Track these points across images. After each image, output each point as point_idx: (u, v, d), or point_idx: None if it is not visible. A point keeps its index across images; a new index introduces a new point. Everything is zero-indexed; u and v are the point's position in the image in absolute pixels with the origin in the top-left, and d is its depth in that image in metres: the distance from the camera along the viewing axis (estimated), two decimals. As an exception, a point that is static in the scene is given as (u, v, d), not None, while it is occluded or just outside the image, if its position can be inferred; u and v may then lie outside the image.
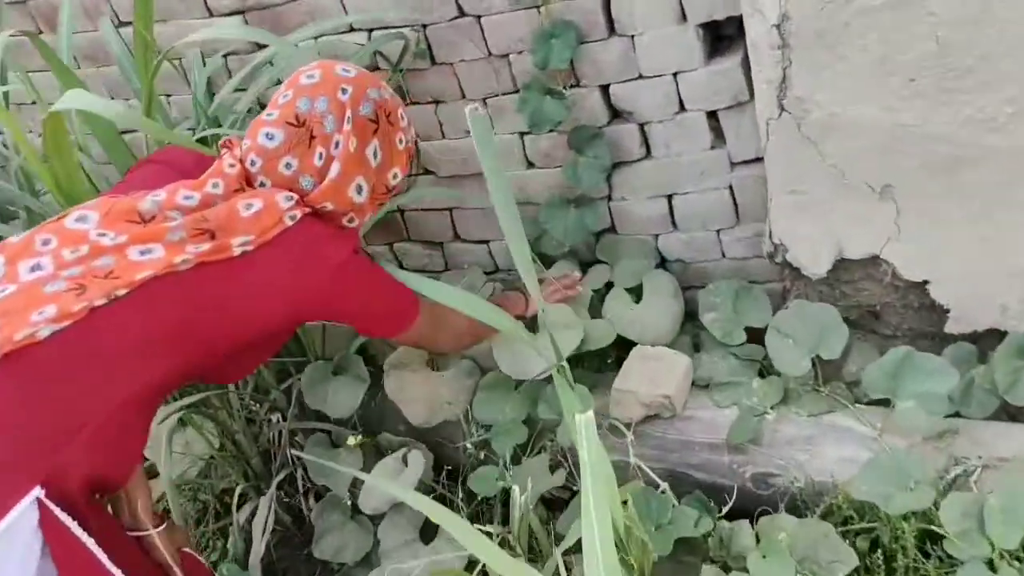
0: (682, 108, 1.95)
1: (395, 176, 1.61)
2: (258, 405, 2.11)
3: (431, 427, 2.04)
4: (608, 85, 1.97)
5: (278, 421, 2.13)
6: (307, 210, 1.48)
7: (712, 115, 1.94)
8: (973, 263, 1.72)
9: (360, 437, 1.97)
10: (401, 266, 2.54)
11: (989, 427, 1.73)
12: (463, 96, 2.12)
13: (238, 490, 2.09)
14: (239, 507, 2.11)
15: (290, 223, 1.44)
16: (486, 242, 2.35)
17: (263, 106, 1.97)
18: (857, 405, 1.84)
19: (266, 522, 2.02)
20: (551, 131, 2.00)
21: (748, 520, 1.68)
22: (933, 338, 1.92)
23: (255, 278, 1.41)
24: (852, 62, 1.56)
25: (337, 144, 1.50)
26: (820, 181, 1.73)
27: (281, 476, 2.10)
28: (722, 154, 1.98)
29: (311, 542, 2.02)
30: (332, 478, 2.01)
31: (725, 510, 1.77)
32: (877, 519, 1.65)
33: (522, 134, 2.13)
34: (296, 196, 1.47)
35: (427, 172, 2.29)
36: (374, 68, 2.15)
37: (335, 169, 1.49)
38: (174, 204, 1.40)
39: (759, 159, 1.95)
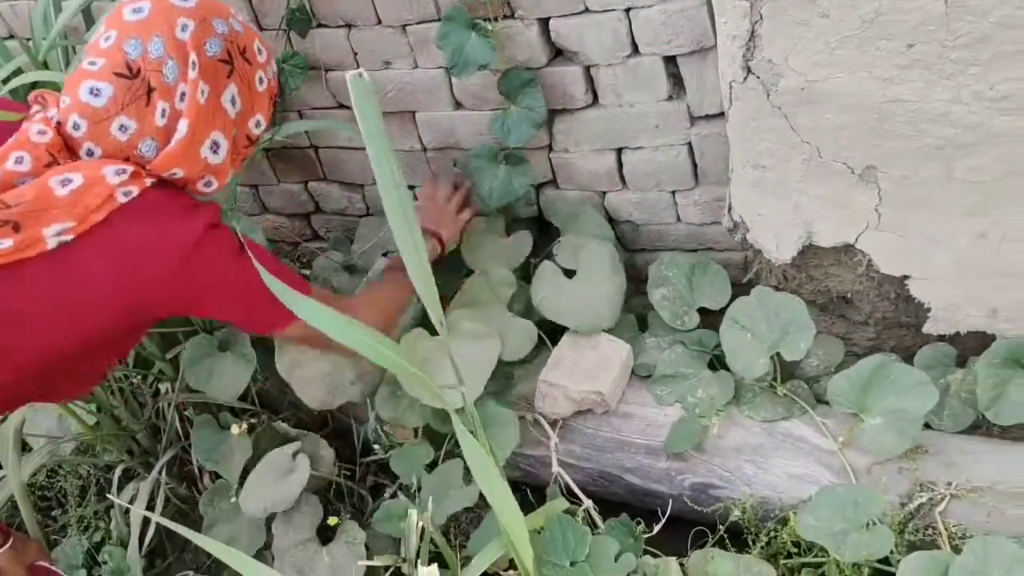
0: (635, 51, 1.62)
1: (258, 124, 1.30)
2: (140, 377, 1.85)
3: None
4: (548, 19, 1.64)
5: (167, 392, 1.87)
6: (148, 183, 1.17)
7: (670, 60, 1.62)
8: (964, 260, 1.45)
9: (244, 426, 1.71)
10: (318, 208, 2.24)
11: (963, 445, 1.51)
12: (379, 21, 1.77)
13: (118, 469, 1.86)
14: (125, 485, 1.88)
15: (124, 200, 1.14)
16: (412, 187, 2.05)
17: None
18: (818, 409, 1.61)
19: (152, 504, 1.80)
20: (478, 71, 1.67)
21: (676, 558, 1.46)
22: (908, 328, 1.67)
23: (77, 275, 1.12)
24: (837, 21, 1.24)
25: (183, 96, 1.18)
26: (789, 157, 1.43)
27: (170, 455, 1.86)
28: (680, 106, 1.67)
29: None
30: (222, 464, 1.77)
31: (656, 528, 1.56)
32: (826, 554, 1.44)
33: (448, 69, 1.79)
34: (131, 167, 1.16)
35: (342, 107, 1.96)
36: (266, -16, 1.79)
37: (183, 127, 1.18)
38: None
39: (723, 114, 1.64)
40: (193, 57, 1.17)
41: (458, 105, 1.85)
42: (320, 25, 1.83)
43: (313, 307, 1.10)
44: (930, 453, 1.49)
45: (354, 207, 2.17)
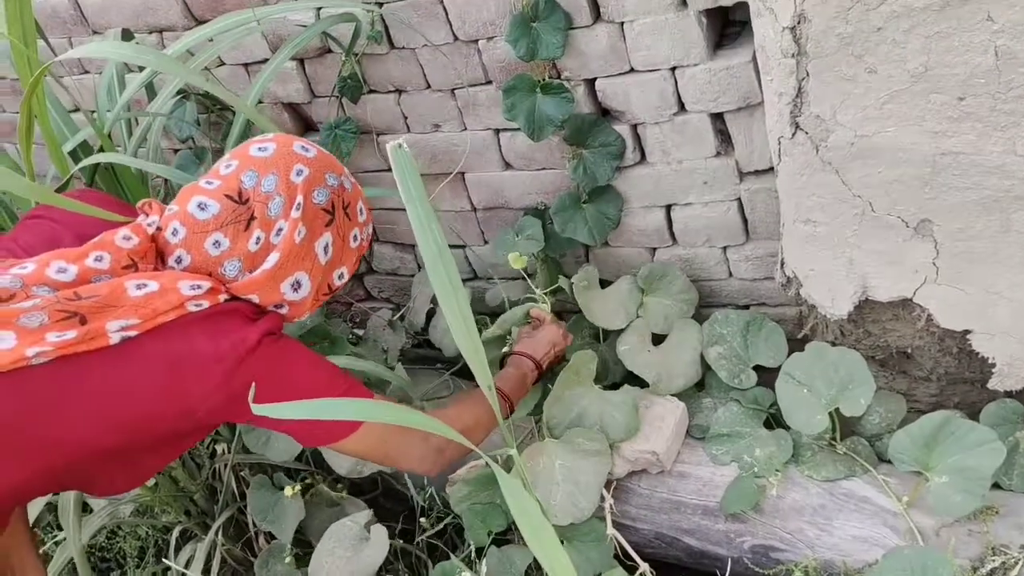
0: (682, 109, 1.63)
1: (341, 276, 1.32)
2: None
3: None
4: (594, 79, 1.65)
5: (223, 453, 1.89)
6: (222, 299, 1.18)
7: (718, 117, 1.62)
8: (1028, 313, 1.41)
9: (297, 486, 1.72)
10: (371, 269, 2.27)
11: (1036, 506, 1.45)
12: (428, 86, 1.81)
13: (176, 530, 1.88)
14: (182, 546, 1.90)
15: (194, 310, 1.15)
16: (461, 247, 2.07)
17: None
18: (881, 467, 1.56)
19: (209, 566, 1.81)
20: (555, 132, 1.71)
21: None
22: (972, 384, 1.62)
23: (135, 372, 1.12)
24: (885, 76, 1.23)
25: (279, 231, 1.21)
26: (841, 212, 1.42)
27: (226, 516, 1.87)
28: (729, 162, 1.66)
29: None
30: (276, 524, 1.78)
31: (717, 593, 1.52)
32: (895, 622, 1.38)
33: (496, 131, 1.82)
34: (208, 284, 1.17)
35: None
36: (325, 52, 1.84)
37: (272, 259, 1.20)
38: (43, 279, 1.11)
39: (773, 169, 1.63)
40: (300, 199, 1.21)
41: (507, 165, 1.87)
42: (371, 91, 1.87)
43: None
44: (1001, 514, 1.44)
45: (406, 267, 2.20)
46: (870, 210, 1.39)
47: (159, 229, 1.21)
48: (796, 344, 1.73)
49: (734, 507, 1.55)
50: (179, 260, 1.20)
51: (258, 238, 1.20)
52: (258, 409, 0.96)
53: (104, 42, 1.16)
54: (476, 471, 1.66)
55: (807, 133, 1.34)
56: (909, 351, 1.60)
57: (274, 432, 1.72)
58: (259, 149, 1.24)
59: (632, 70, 1.60)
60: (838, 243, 1.46)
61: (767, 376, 1.72)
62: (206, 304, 1.16)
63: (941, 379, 1.64)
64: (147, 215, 1.23)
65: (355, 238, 1.31)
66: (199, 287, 1.16)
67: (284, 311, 1.26)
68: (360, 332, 2.11)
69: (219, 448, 1.92)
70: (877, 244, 1.43)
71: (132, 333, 1.11)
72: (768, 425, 1.67)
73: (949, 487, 1.42)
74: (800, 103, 1.31)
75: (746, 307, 1.88)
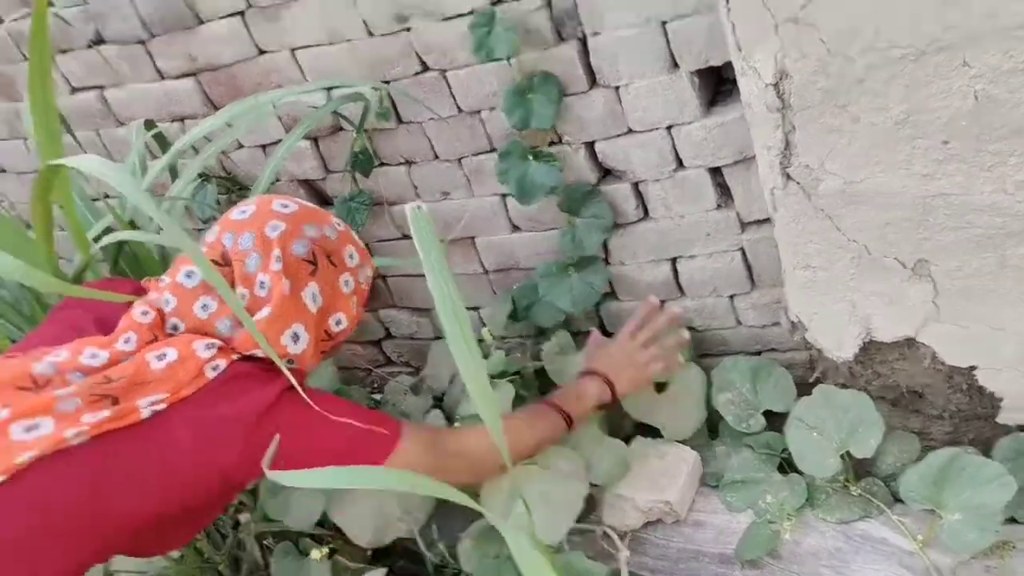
0: (680, 165, 1.69)
1: (338, 322, 1.39)
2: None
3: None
4: (594, 142, 1.72)
5: (247, 523, 1.92)
6: (234, 357, 1.26)
7: (716, 171, 1.68)
8: (1031, 347, 1.43)
9: (324, 551, 1.75)
10: (389, 334, 2.32)
11: (1054, 539, 1.45)
12: (436, 156, 1.88)
13: (202, 604, 1.90)
14: (211, 617, 1.92)
15: (213, 375, 1.23)
16: (476, 308, 2.12)
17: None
18: (896, 507, 1.57)
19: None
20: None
21: None
22: (985, 420, 1.63)
23: (166, 443, 1.18)
24: (869, 124, 1.28)
25: (262, 284, 1.28)
26: (838, 257, 1.46)
27: (252, 586, 1.90)
28: (730, 214, 1.71)
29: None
30: (303, 593, 1.79)
31: (740, 642, 1.52)
32: (921, 663, 1.38)
33: (503, 196, 1.89)
34: (219, 342, 1.26)
35: (406, 237, 2.07)
36: (337, 130, 1.93)
37: (265, 312, 1.27)
38: (76, 365, 1.19)
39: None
40: (277, 252, 1.28)
41: (515, 228, 1.93)
42: (382, 164, 1.95)
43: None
44: (1018, 548, 1.44)
45: (423, 331, 2.25)
46: (866, 253, 1.43)
47: (158, 308, 1.29)
48: (807, 388, 1.75)
49: (749, 553, 1.56)
50: (175, 328, 1.27)
51: (242, 295, 1.27)
52: (273, 475, 1.01)
53: (81, 156, 1.25)
54: (480, 526, 1.67)
55: (798, 183, 1.39)
56: (920, 390, 1.62)
57: (292, 498, 1.76)
58: (240, 212, 1.33)
59: (630, 131, 1.67)
60: (838, 287, 1.50)
61: (778, 422, 1.74)
62: (223, 365, 1.23)
63: (954, 416, 1.65)
64: (149, 291, 1.31)
65: (346, 284, 1.37)
66: (213, 345, 1.23)
67: (293, 366, 1.31)
68: (378, 397, 2.15)
69: (242, 518, 1.95)
70: (876, 286, 1.47)
71: (161, 407, 1.18)
72: (782, 470, 1.68)
73: (962, 524, 1.42)
74: (789, 154, 1.36)
75: (758, 353, 1.91)
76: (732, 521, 1.64)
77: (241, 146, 2.05)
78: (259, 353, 1.27)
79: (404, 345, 2.33)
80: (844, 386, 1.67)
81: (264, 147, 2.03)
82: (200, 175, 2.01)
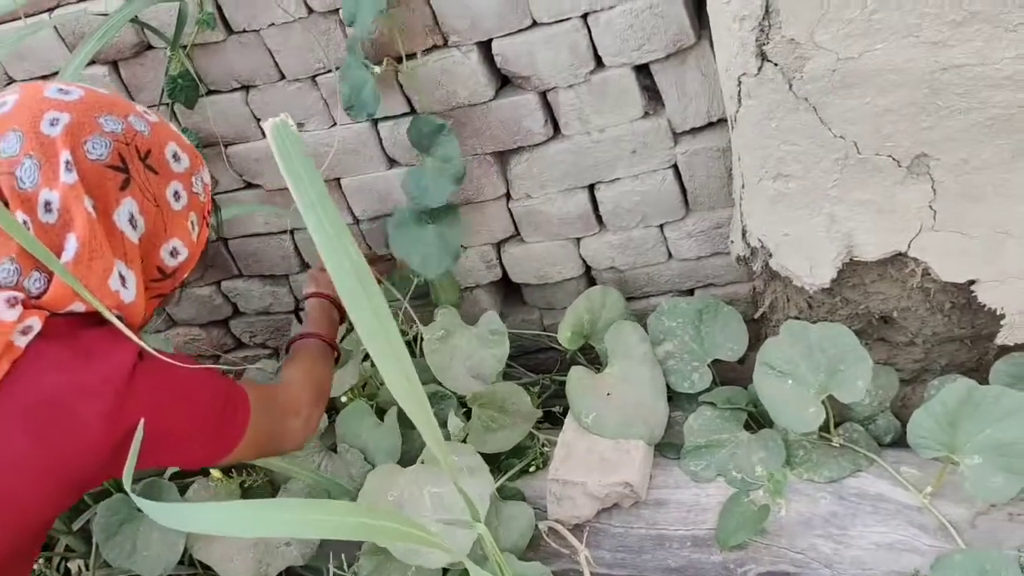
0: (599, 65, 1.35)
1: (174, 252, 0.98)
2: (42, 560, 1.45)
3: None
4: (489, 41, 1.35)
5: (79, 573, 1.47)
6: (46, 315, 0.84)
7: (643, 70, 1.35)
8: (1043, 252, 1.20)
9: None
10: (237, 311, 1.88)
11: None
12: (282, 76, 1.46)
13: None
14: None
15: (22, 347, 0.81)
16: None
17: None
18: (886, 455, 1.33)
19: None
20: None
21: None
22: (963, 342, 1.41)
23: None
24: (874, -23, 0.98)
25: (48, 207, 0.85)
26: (820, 158, 1.17)
27: (92, 650, 1.46)
28: (660, 123, 1.40)
29: None
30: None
31: (730, 643, 1.25)
32: (954, 642, 1.14)
33: (375, 121, 1.49)
34: (21, 296, 0.83)
35: (250, 186, 1.63)
36: (144, 48, 1.46)
37: (71, 246, 0.85)
38: None
39: (712, 124, 1.39)
40: (66, 156, 0.85)
41: (392, 162, 1.54)
42: (210, 91, 1.51)
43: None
44: (1043, 491, 1.22)
45: (280, 302, 1.82)
46: (855, 152, 1.15)
47: None
48: (751, 327, 1.49)
49: (734, 539, 1.28)
50: None
51: (24, 222, 0.84)
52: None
53: None
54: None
55: (777, 65, 1.08)
56: (892, 315, 1.38)
57: (140, 536, 1.33)
58: None
59: (535, 23, 1.31)
60: (816, 198, 1.22)
61: (729, 372, 1.47)
62: (35, 325, 0.83)
63: (927, 341, 1.42)
64: None
65: (176, 196, 0.96)
66: (15, 299, 0.82)
67: (123, 321, 0.90)
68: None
69: (72, 567, 1.50)
70: (863, 193, 1.19)
71: None
72: (748, 427, 1.41)
73: (985, 468, 1.19)
74: (768, 26, 1.05)
75: (690, 292, 1.63)
76: (701, 495, 1.35)
77: (11, 80, 1.54)
78: (78, 308, 0.86)
79: (257, 323, 1.89)
80: (797, 319, 1.40)
81: (44, 78, 1.53)
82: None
